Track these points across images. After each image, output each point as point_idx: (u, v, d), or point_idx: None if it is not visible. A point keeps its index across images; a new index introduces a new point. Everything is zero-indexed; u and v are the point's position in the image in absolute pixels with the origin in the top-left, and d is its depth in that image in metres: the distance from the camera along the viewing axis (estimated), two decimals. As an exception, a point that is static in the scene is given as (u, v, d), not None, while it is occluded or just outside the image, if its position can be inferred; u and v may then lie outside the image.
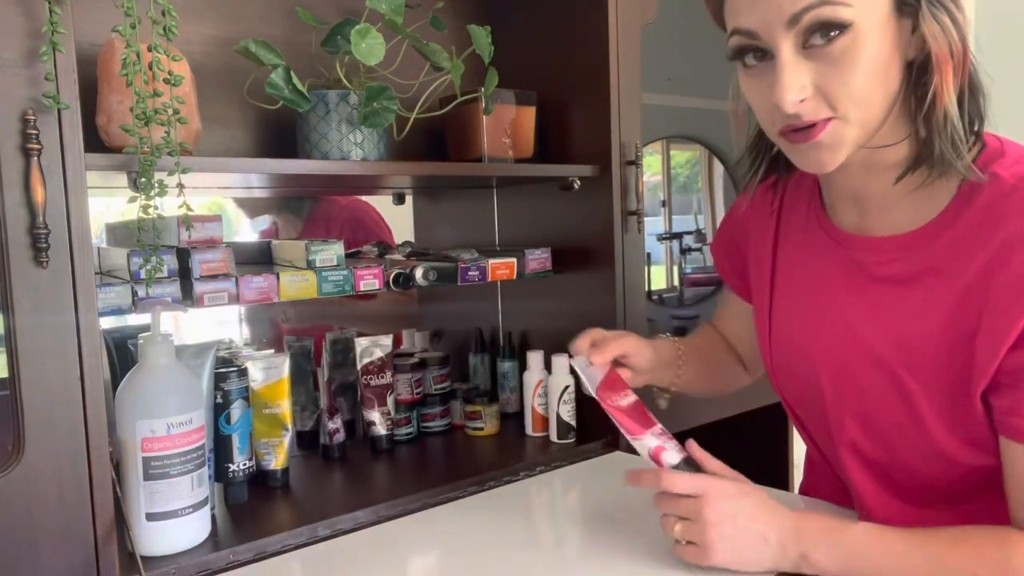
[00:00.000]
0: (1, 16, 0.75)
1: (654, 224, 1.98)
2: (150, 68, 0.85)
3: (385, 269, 1.14)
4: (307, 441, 1.30)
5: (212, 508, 0.99)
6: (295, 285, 1.06)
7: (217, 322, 1.33)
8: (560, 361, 1.31)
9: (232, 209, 1.40)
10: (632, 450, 1.32)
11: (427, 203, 1.59)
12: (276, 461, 1.14)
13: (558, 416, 1.31)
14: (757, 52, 0.72)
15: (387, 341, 1.30)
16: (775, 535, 0.78)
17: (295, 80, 1.06)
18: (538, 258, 1.33)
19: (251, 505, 1.08)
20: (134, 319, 1.12)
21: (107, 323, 1.07)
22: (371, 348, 1.28)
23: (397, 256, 1.32)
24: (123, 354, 1.09)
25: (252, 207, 1.41)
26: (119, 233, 1.13)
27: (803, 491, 1.09)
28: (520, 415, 1.41)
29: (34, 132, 0.76)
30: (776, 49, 0.70)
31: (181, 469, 0.90)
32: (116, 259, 1.03)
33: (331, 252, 1.10)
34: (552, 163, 1.36)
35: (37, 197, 0.77)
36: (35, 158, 0.76)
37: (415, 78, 1.18)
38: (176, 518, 0.90)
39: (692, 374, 1.05)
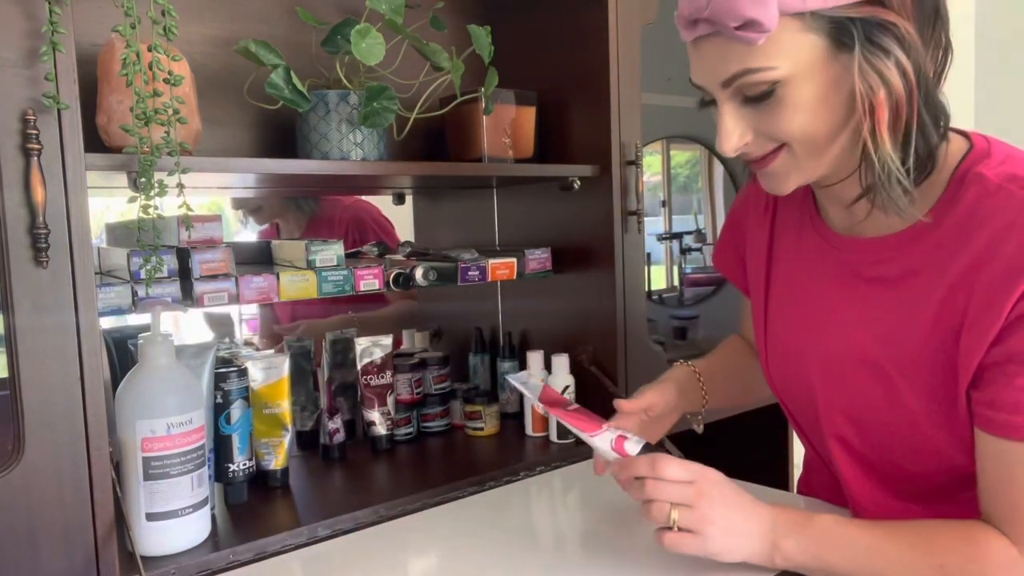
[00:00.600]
0: (1, 16, 0.75)
1: (654, 224, 1.98)
2: (150, 68, 0.85)
3: (385, 269, 1.14)
4: (307, 441, 1.30)
5: (212, 508, 0.99)
6: (295, 285, 1.06)
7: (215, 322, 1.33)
8: (560, 361, 1.31)
9: (230, 210, 1.40)
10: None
11: (427, 203, 1.59)
12: (276, 461, 1.14)
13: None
14: (712, 101, 0.77)
15: (387, 341, 1.30)
16: (755, 526, 0.79)
17: (295, 80, 1.06)
18: (538, 258, 1.33)
19: (251, 505, 1.08)
20: (134, 319, 1.12)
21: (107, 323, 1.07)
22: (371, 348, 1.28)
23: (397, 256, 1.32)
24: (123, 354, 1.09)
25: (252, 208, 1.41)
26: (119, 233, 1.13)
27: (800, 489, 1.09)
28: (520, 415, 1.41)
29: (34, 132, 0.76)
30: (718, 103, 0.75)
31: (181, 469, 0.90)
32: (116, 259, 1.03)
33: (331, 252, 1.10)
34: (552, 163, 1.36)
35: (37, 197, 0.77)
36: (35, 158, 0.77)
37: (415, 78, 1.18)
38: (176, 518, 0.90)
39: (719, 392, 1.06)
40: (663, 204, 2.05)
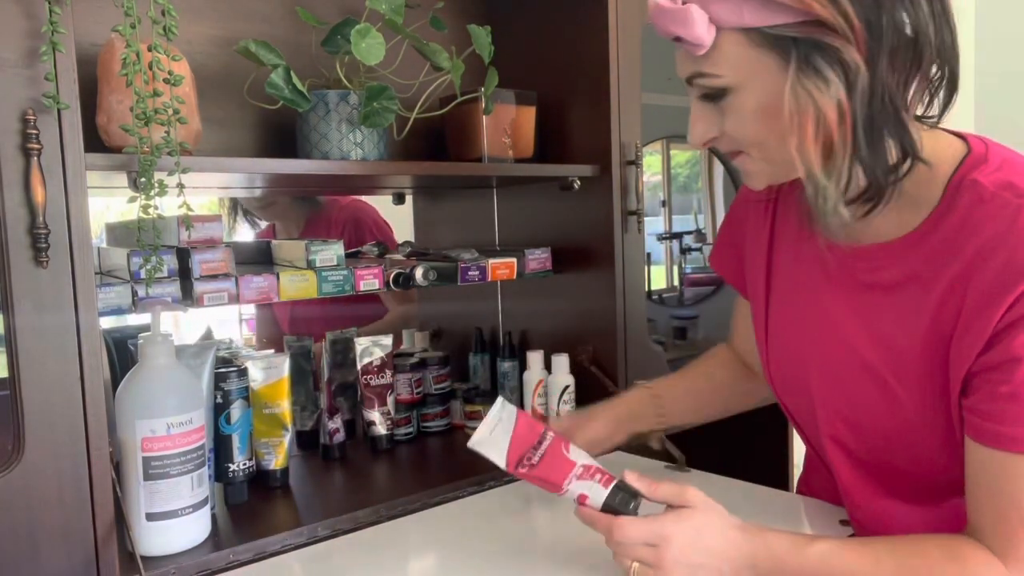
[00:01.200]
0: (1, 16, 0.75)
1: (654, 224, 1.98)
2: (150, 68, 0.85)
3: (385, 269, 1.14)
4: (307, 441, 1.30)
5: (212, 508, 0.99)
6: (295, 285, 1.06)
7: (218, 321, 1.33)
8: (560, 361, 1.31)
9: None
10: (632, 450, 1.32)
11: (427, 203, 1.59)
12: (276, 461, 1.14)
13: (558, 416, 1.31)
14: None
15: (387, 341, 1.30)
16: (729, 567, 0.76)
17: (295, 80, 1.06)
18: (538, 258, 1.33)
19: (251, 505, 1.08)
20: (134, 319, 1.12)
21: (107, 323, 1.07)
22: (371, 348, 1.28)
23: (397, 256, 1.32)
24: (123, 354, 1.09)
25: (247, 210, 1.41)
26: (119, 233, 1.13)
27: (800, 488, 1.10)
28: (520, 415, 1.41)
29: (34, 132, 0.76)
30: (690, 98, 0.79)
31: (181, 469, 0.90)
32: (116, 259, 1.03)
33: (331, 252, 1.10)
34: (552, 163, 1.36)
35: (37, 197, 0.77)
36: (35, 158, 0.77)
37: (415, 78, 1.18)
38: (176, 518, 0.90)
39: (680, 410, 1.09)
40: (663, 204, 2.05)
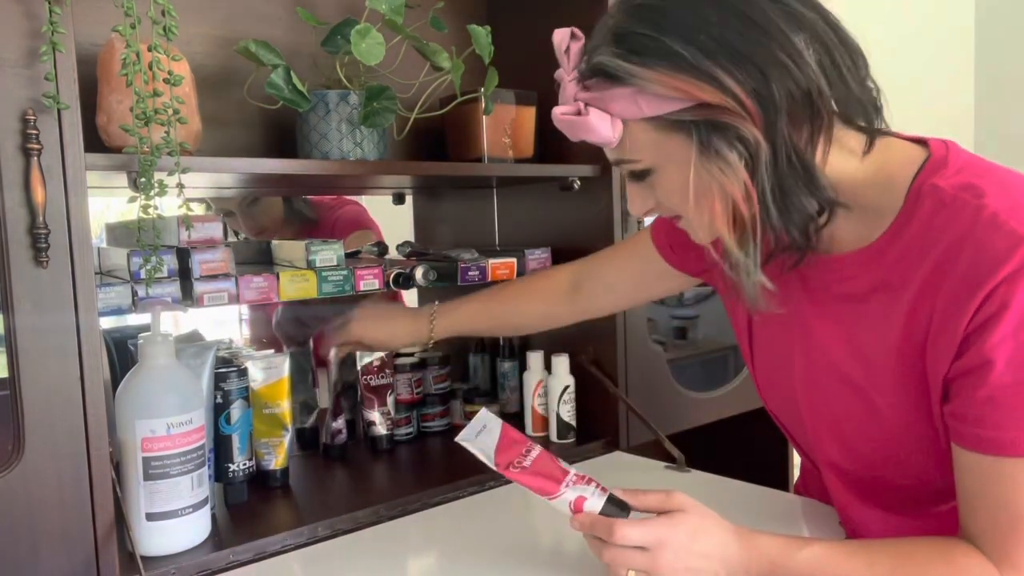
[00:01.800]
0: (1, 16, 0.75)
1: (654, 224, 1.97)
2: (150, 68, 0.85)
3: (385, 269, 1.14)
4: (307, 440, 1.29)
5: (212, 508, 0.99)
6: (295, 285, 1.06)
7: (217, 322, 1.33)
8: (560, 361, 1.31)
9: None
10: (632, 450, 1.32)
11: (427, 203, 1.59)
12: (276, 461, 1.14)
13: (558, 416, 1.31)
14: None
15: (387, 341, 1.30)
16: (724, 570, 0.76)
17: (295, 80, 1.06)
18: (538, 258, 1.33)
19: (251, 505, 1.08)
20: (134, 319, 1.12)
21: (107, 323, 1.07)
22: (371, 348, 1.28)
23: (397, 256, 1.32)
24: (123, 354, 1.09)
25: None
26: (119, 233, 1.13)
27: (798, 489, 1.10)
28: (520, 415, 1.41)
29: (34, 132, 0.76)
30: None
31: (181, 469, 0.90)
32: (116, 259, 1.03)
33: (331, 252, 1.10)
34: (552, 163, 1.35)
35: (37, 197, 0.77)
36: (35, 158, 0.77)
37: (415, 78, 1.18)
38: (176, 518, 0.90)
39: (454, 323, 1.18)
40: (663, 204, 2.04)
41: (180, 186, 0.88)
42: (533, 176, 1.37)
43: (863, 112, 0.74)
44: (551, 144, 1.38)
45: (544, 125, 1.36)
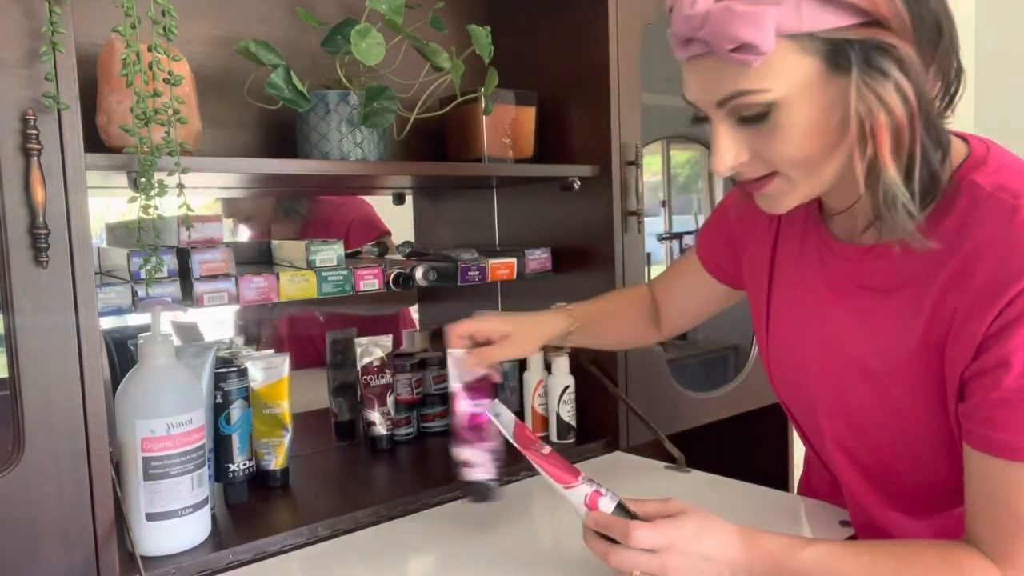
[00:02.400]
0: (1, 16, 0.75)
1: (654, 224, 1.98)
2: (150, 68, 0.85)
3: (385, 269, 1.14)
4: (306, 440, 1.29)
5: (212, 508, 0.99)
6: (295, 285, 1.06)
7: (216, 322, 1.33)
8: (560, 361, 1.31)
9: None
10: (632, 450, 1.32)
11: (427, 203, 1.59)
12: (276, 461, 1.14)
13: (558, 416, 1.31)
14: (706, 118, 0.75)
15: (387, 341, 1.30)
16: (729, 570, 0.76)
17: (295, 80, 1.06)
18: (538, 258, 1.33)
19: (251, 505, 1.08)
20: (134, 319, 1.12)
21: (107, 323, 1.07)
22: (371, 348, 1.28)
23: (397, 256, 1.31)
24: (123, 354, 1.09)
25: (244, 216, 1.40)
26: (119, 233, 1.13)
27: (801, 488, 1.09)
28: (520, 415, 1.40)
29: (34, 132, 0.76)
30: (713, 122, 0.74)
31: (181, 469, 0.90)
32: (116, 259, 1.03)
33: (331, 252, 1.10)
34: (552, 163, 1.36)
35: (37, 197, 0.77)
36: (35, 158, 0.77)
37: (415, 78, 1.18)
38: (176, 518, 0.90)
39: (586, 335, 1.11)
40: (663, 204, 2.05)
41: (180, 186, 0.88)
42: (533, 176, 1.37)
43: (958, 75, 0.72)
44: (551, 144, 1.38)
45: (544, 125, 1.36)
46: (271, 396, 1.13)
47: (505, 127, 1.29)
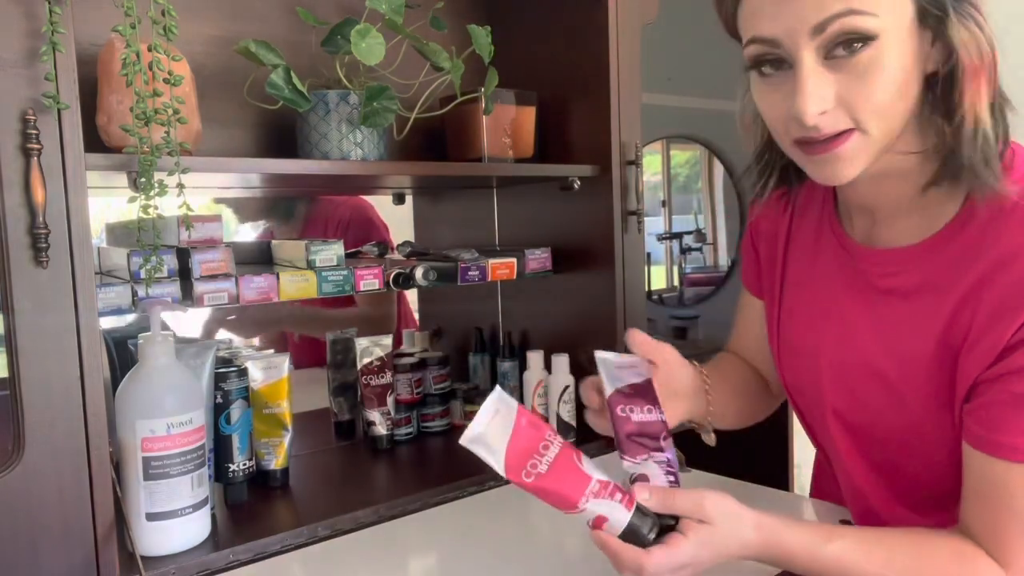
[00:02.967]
0: (1, 16, 0.75)
1: (654, 224, 1.98)
2: (150, 68, 0.85)
3: (385, 269, 1.14)
4: (306, 440, 1.29)
5: (212, 508, 0.99)
6: (295, 285, 1.06)
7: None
8: (560, 361, 1.31)
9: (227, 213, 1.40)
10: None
11: (427, 203, 1.59)
12: (276, 461, 1.14)
13: (558, 416, 1.31)
14: (775, 62, 0.70)
15: (387, 341, 1.30)
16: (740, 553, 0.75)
17: (295, 80, 1.06)
18: (538, 258, 1.33)
19: (251, 505, 1.08)
20: (134, 319, 1.12)
21: (107, 323, 1.07)
22: (371, 348, 1.28)
23: (397, 256, 1.32)
24: (123, 354, 1.09)
25: (249, 208, 1.41)
26: (119, 233, 1.13)
27: (813, 493, 1.09)
28: (520, 415, 1.41)
29: (34, 132, 0.76)
30: (798, 59, 0.68)
31: (181, 469, 0.90)
32: (116, 259, 1.03)
33: (331, 252, 1.10)
34: (552, 163, 1.36)
35: (37, 197, 0.77)
36: (35, 158, 0.77)
37: (415, 78, 1.18)
38: (176, 518, 0.90)
39: (722, 404, 0.94)
40: (663, 204, 2.05)
41: (180, 186, 0.88)
42: (533, 176, 1.37)
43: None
44: (551, 144, 1.38)
45: (544, 125, 1.36)
46: (271, 396, 1.13)
47: (505, 127, 1.29)
